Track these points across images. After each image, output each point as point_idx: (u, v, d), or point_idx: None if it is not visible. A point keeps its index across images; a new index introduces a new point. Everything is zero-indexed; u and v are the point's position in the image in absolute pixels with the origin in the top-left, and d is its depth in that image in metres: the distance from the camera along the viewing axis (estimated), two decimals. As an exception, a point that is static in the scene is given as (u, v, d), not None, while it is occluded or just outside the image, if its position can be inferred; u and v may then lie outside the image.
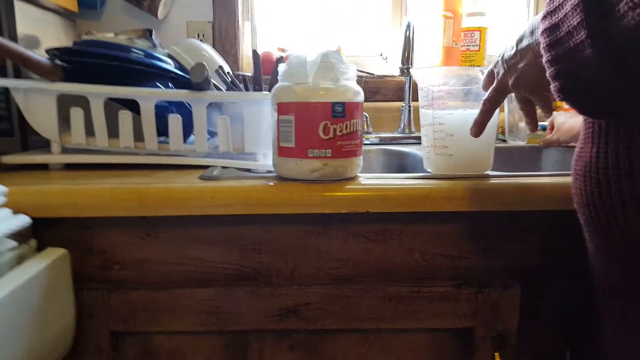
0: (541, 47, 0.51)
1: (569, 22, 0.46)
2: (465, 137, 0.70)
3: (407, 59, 1.19)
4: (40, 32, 1.02)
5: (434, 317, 0.72)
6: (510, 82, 0.62)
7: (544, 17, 0.50)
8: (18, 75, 0.89)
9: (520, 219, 0.72)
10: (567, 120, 1.05)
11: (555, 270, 0.73)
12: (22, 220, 0.59)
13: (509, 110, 0.72)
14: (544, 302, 0.74)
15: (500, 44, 1.41)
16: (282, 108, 0.67)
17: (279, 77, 0.69)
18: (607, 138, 0.53)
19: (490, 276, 0.73)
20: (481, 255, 0.72)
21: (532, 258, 0.73)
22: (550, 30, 0.49)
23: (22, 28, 0.92)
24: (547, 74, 0.51)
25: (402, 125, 1.25)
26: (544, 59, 0.51)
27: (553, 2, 0.49)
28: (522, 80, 0.61)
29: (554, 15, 0.49)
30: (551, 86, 0.51)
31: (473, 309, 0.73)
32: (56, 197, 0.66)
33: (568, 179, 0.69)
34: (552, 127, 1.10)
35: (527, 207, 0.69)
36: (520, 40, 0.59)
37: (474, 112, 0.70)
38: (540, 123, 1.19)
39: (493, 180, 0.70)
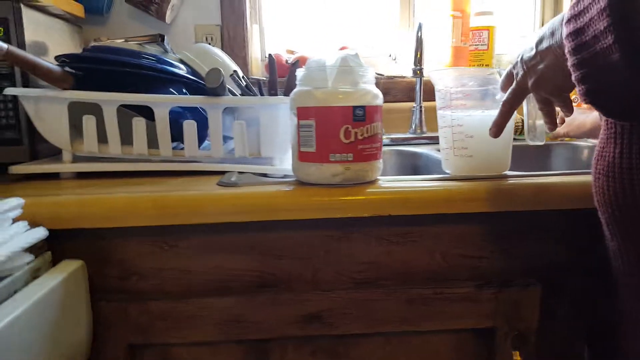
0: (566, 51, 0.50)
1: (595, 26, 0.46)
2: (485, 139, 0.70)
3: (419, 60, 1.18)
4: (48, 38, 1.01)
5: (456, 318, 0.72)
6: (530, 84, 0.62)
7: (568, 21, 0.50)
8: (26, 82, 0.88)
9: (539, 218, 0.71)
10: (578, 116, 1.04)
11: (575, 268, 0.73)
12: (39, 233, 0.58)
13: (527, 112, 0.71)
14: (564, 301, 0.74)
15: (508, 43, 1.41)
16: (302, 113, 0.67)
17: (297, 82, 0.69)
18: (631, 139, 0.53)
19: (511, 276, 0.73)
20: (502, 256, 0.72)
21: (552, 257, 0.73)
22: (575, 34, 0.49)
23: (30, 35, 0.91)
24: (573, 78, 0.50)
25: (413, 126, 1.25)
26: (569, 63, 0.50)
27: (577, 5, 0.49)
28: (542, 81, 0.60)
29: (579, 19, 0.48)
30: (577, 89, 0.51)
31: (494, 308, 0.72)
32: (72, 207, 0.65)
33: (586, 178, 0.69)
34: (562, 121, 1.10)
35: (547, 206, 0.69)
36: (540, 42, 0.59)
37: (492, 114, 0.69)
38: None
39: (512, 181, 0.70)
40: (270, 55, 0.84)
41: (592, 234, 0.70)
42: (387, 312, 0.71)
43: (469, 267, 0.72)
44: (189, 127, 0.80)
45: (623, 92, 0.48)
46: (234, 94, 0.85)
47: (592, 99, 0.50)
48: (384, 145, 1.17)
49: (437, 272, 0.72)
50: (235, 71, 0.86)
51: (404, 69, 1.39)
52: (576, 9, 0.49)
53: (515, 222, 0.71)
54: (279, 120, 0.80)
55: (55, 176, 0.82)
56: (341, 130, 0.65)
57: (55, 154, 0.89)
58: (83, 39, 1.22)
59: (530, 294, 0.72)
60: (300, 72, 0.68)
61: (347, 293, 0.70)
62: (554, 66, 0.57)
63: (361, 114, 0.65)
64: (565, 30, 0.50)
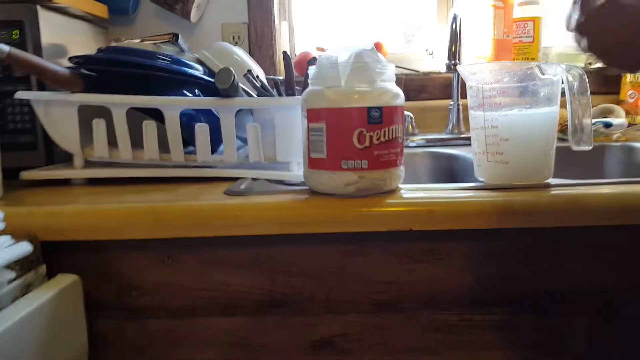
0: None
1: None
2: (522, 142, 0.62)
3: (454, 54, 1.09)
4: (68, 40, 0.99)
5: (487, 349, 0.64)
6: None
7: None
8: (42, 86, 0.86)
9: (587, 234, 0.62)
10: None
11: (628, 291, 0.63)
12: (21, 249, 0.54)
13: (572, 110, 0.62)
14: (615, 331, 0.64)
15: (556, 35, 1.29)
16: (312, 115, 0.60)
17: (309, 81, 0.63)
18: None
19: (553, 301, 0.63)
20: (542, 277, 0.63)
21: (601, 280, 0.63)
22: None
23: (47, 37, 0.89)
24: None
25: (450, 126, 1.16)
26: None
27: None
28: None
29: None
30: None
31: (532, 338, 0.63)
32: (68, 218, 0.61)
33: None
34: None
35: (596, 221, 0.60)
36: None
37: (531, 113, 0.61)
38: (604, 120, 1.08)
39: (555, 191, 0.61)
40: (285, 52, 0.78)
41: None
42: (408, 340, 0.63)
43: (503, 290, 0.63)
44: (201, 130, 0.75)
45: None
46: (249, 95, 0.79)
47: None
48: (418, 146, 1.10)
49: (466, 295, 0.63)
50: (249, 70, 0.80)
51: (441, 65, 1.30)
52: None
53: (558, 239, 0.62)
54: (295, 123, 0.74)
55: (67, 182, 0.79)
56: (354, 134, 0.58)
57: (71, 159, 0.87)
58: (108, 41, 1.20)
59: (576, 322, 0.63)
60: (311, 70, 0.62)
61: (364, 317, 0.63)
62: None
63: (377, 116, 0.58)
64: None
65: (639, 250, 0.62)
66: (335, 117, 0.58)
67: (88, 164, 0.81)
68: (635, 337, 0.64)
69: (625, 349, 0.64)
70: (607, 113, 1.17)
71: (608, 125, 1.06)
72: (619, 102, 1.19)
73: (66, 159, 0.89)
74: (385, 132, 0.59)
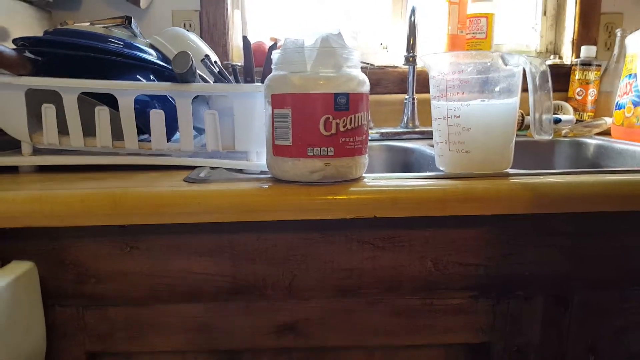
0: None
1: None
2: (484, 132, 0.63)
3: (412, 47, 1.10)
4: (10, 23, 0.94)
5: (447, 332, 0.65)
6: None
7: None
8: (-14, 69, 0.81)
9: (544, 222, 0.64)
10: None
11: (582, 278, 0.66)
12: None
13: (534, 101, 0.64)
14: (569, 313, 0.67)
15: (508, 32, 1.34)
16: (276, 101, 0.59)
17: (273, 66, 0.62)
18: None
19: (511, 286, 0.65)
20: (500, 263, 0.65)
21: (555, 266, 0.65)
22: None
23: (-12, 18, 0.84)
24: None
25: (405, 119, 1.17)
26: None
27: None
28: None
29: None
30: None
31: (491, 322, 0.65)
32: (21, 205, 0.57)
33: (596, 178, 0.62)
34: None
35: (552, 209, 0.61)
36: None
37: (494, 104, 0.62)
38: (554, 116, 1.12)
39: (514, 180, 0.62)
40: (245, 37, 0.77)
41: (601, 240, 0.64)
42: (371, 324, 0.64)
43: (463, 276, 0.64)
44: (156, 117, 0.73)
45: None
46: (206, 81, 0.77)
47: None
48: (373, 140, 1.11)
49: (428, 281, 0.64)
50: (207, 55, 0.78)
51: (396, 59, 1.32)
52: None
53: (516, 227, 0.64)
54: (255, 110, 0.73)
55: (15, 170, 0.75)
56: (321, 120, 0.57)
57: (18, 146, 0.82)
58: (52, 25, 1.14)
59: (531, 306, 0.65)
60: (275, 55, 0.61)
61: (326, 302, 0.63)
62: None
63: (344, 102, 0.58)
64: None
65: (590, 237, 0.65)
66: (301, 103, 0.58)
67: (36, 151, 0.77)
68: (587, 322, 0.67)
69: (578, 333, 0.67)
70: (556, 109, 1.22)
71: (557, 121, 1.11)
72: (567, 99, 1.24)
73: (12, 146, 0.84)
74: (351, 119, 0.59)
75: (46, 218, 0.58)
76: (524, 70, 0.64)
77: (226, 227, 0.61)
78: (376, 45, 1.35)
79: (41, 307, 0.60)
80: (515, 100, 0.65)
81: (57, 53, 0.74)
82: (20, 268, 0.58)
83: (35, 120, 0.76)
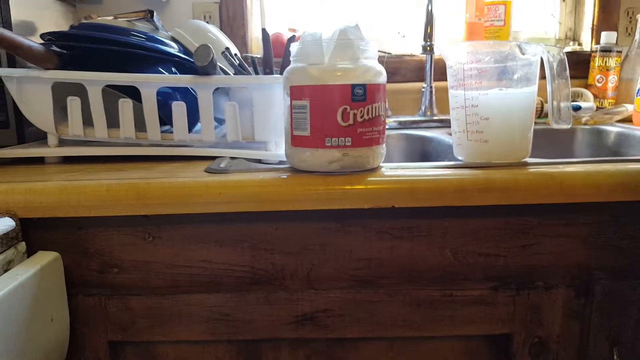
0: None
1: None
2: (502, 121, 0.63)
3: (429, 35, 1.09)
4: (37, 17, 0.96)
5: (467, 323, 0.65)
6: None
7: None
8: (13, 64, 0.83)
9: (564, 211, 0.63)
10: None
11: (604, 268, 0.65)
12: (4, 224, 0.53)
13: (552, 91, 0.63)
14: (590, 304, 0.66)
15: (526, 19, 1.32)
16: (295, 92, 0.60)
17: (291, 58, 0.62)
18: None
19: (531, 276, 0.65)
20: (521, 253, 0.64)
21: (577, 255, 0.65)
22: None
23: (17, 14, 0.87)
24: None
25: (423, 108, 1.17)
26: None
27: None
28: None
29: None
30: None
31: (511, 313, 0.65)
32: (48, 195, 0.59)
33: (617, 166, 0.61)
34: None
35: (573, 198, 0.61)
36: None
37: (511, 93, 0.62)
38: (573, 103, 1.11)
39: (533, 169, 0.62)
40: (264, 29, 0.77)
41: (624, 229, 0.63)
42: (390, 315, 0.64)
43: (483, 266, 0.64)
44: (178, 108, 0.74)
45: None
46: (226, 73, 0.78)
47: None
48: (391, 128, 1.11)
49: (447, 272, 0.65)
50: (227, 48, 0.79)
51: (414, 47, 1.31)
52: None
53: (536, 216, 0.63)
54: (274, 101, 0.74)
55: (41, 161, 0.78)
56: (338, 111, 0.58)
57: (44, 137, 0.84)
58: (77, 19, 1.16)
59: (553, 296, 0.65)
60: (294, 47, 0.61)
61: (345, 292, 0.64)
62: None
63: (361, 93, 0.58)
64: None
65: (612, 225, 0.64)
66: (319, 94, 0.58)
67: (62, 142, 0.79)
68: (609, 313, 0.66)
69: (599, 324, 0.66)
70: (576, 97, 1.20)
71: (577, 109, 1.09)
72: (587, 86, 1.22)
73: (39, 138, 0.86)
74: (368, 109, 0.59)
75: (72, 208, 0.59)
76: (542, 59, 0.64)
77: (245, 217, 0.62)
78: (394, 33, 1.35)
79: (65, 296, 0.62)
80: (533, 89, 0.64)
81: (82, 47, 0.76)
82: (45, 258, 0.59)
83: (60, 112, 0.78)
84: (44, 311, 0.57)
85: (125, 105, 0.75)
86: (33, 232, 0.61)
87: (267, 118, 0.74)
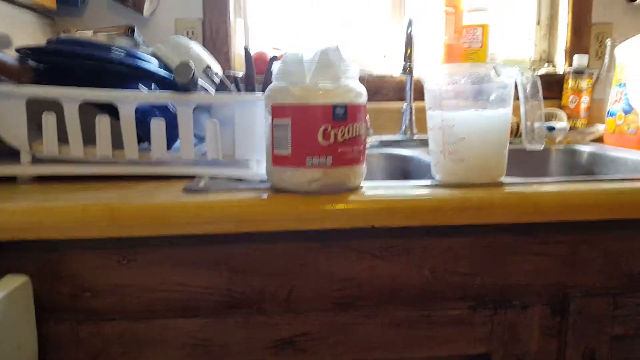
0: None
1: None
2: (478, 141, 0.64)
3: (408, 57, 1.11)
4: (14, 30, 0.95)
5: (446, 343, 0.65)
6: None
7: None
8: (-14, 77, 0.81)
9: (539, 230, 0.65)
10: None
11: (578, 286, 0.67)
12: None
13: (525, 111, 0.65)
14: (566, 321, 0.67)
15: (503, 42, 1.35)
16: (276, 111, 0.60)
17: (273, 77, 0.62)
18: None
19: (508, 295, 0.66)
20: (497, 272, 0.65)
21: (552, 274, 0.66)
22: None
23: (-9, 26, 0.85)
24: None
25: (403, 127, 1.18)
26: None
27: None
28: None
29: None
30: None
31: (489, 332, 0.66)
32: (19, 217, 0.57)
33: (592, 186, 0.62)
34: None
35: (547, 217, 0.62)
36: None
37: (487, 114, 0.63)
38: (548, 124, 1.13)
39: (508, 189, 0.63)
40: (246, 48, 0.78)
41: (599, 248, 0.65)
42: (369, 337, 0.64)
43: (461, 286, 0.65)
44: (157, 126, 0.73)
45: None
46: (207, 91, 0.77)
47: None
48: (373, 147, 1.11)
49: (426, 291, 0.65)
50: (208, 66, 0.79)
51: (395, 68, 1.33)
52: None
53: (511, 235, 0.64)
54: (255, 120, 0.73)
55: (13, 180, 0.75)
56: (319, 130, 0.58)
57: (17, 155, 0.82)
58: (56, 33, 1.15)
59: (529, 315, 0.65)
60: (276, 66, 0.62)
61: (325, 315, 0.63)
62: None
63: (342, 113, 0.58)
64: None
65: (585, 245, 0.65)
66: (300, 114, 0.58)
67: (35, 160, 0.77)
68: (584, 330, 0.67)
69: (575, 340, 0.67)
70: (550, 117, 1.22)
71: (551, 129, 1.12)
72: (561, 107, 1.25)
73: (9, 155, 0.84)
74: (349, 129, 0.59)
75: (44, 230, 0.57)
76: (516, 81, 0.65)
77: (224, 238, 0.61)
78: (375, 54, 1.36)
79: (34, 322, 0.60)
80: (508, 110, 0.65)
81: (59, 62, 0.75)
82: (13, 283, 0.57)
83: (35, 128, 0.76)
84: (10, 338, 0.55)
85: (103, 122, 0.74)
86: (2, 255, 0.59)
87: (249, 136, 0.74)
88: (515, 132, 1.13)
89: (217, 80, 0.78)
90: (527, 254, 0.65)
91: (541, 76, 1.28)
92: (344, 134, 0.59)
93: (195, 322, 0.63)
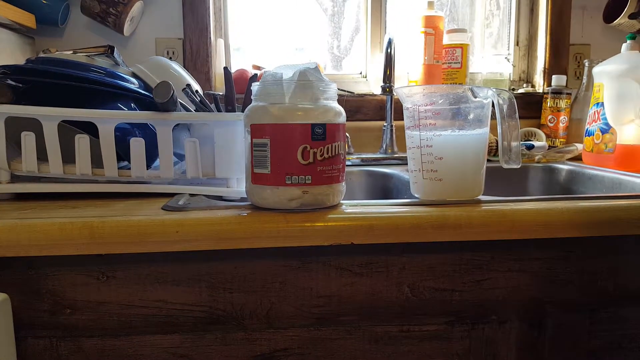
0: None
1: None
2: (456, 161, 0.65)
3: (388, 77, 1.13)
4: (-7, 49, 0.94)
5: (425, 358, 0.66)
6: None
7: None
8: (-38, 96, 0.81)
9: (516, 247, 0.66)
10: None
11: (555, 301, 0.67)
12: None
13: (502, 132, 0.66)
14: (543, 336, 0.68)
15: (482, 62, 1.38)
16: (256, 130, 0.60)
17: (252, 97, 0.63)
18: None
19: (485, 311, 0.67)
20: (475, 288, 0.66)
21: (529, 290, 0.67)
22: None
23: (-31, 45, 0.85)
24: None
25: (384, 146, 1.20)
26: None
27: None
28: None
29: None
30: None
31: (467, 347, 0.66)
32: (-3, 234, 0.57)
33: (569, 204, 0.64)
34: None
35: (524, 234, 0.63)
36: None
37: (464, 134, 0.64)
38: (527, 142, 1.15)
39: (486, 207, 0.64)
40: (225, 68, 0.78)
41: (574, 264, 0.66)
42: (349, 352, 0.64)
43: (439, 301, 0.66)
44: (136, 145, 0.74)
45: None
46: (187, 110, 0.78)
47: None
48: (354, 165, 1.12)
49: (405, 307, 0.65)
50: (188, 85, 0.79)
51: (375, 87, 1.35)
52: None
53: (489, 252, 0.65)
54: (235, 138, 0.74)
55: (-9, 197, 0.75)
56: (299, 150, 0.59)
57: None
58: (35, 52, 1.15)
59: (506, 330, 0.66)
60: (255, 87, 0.62)
61: (305, 331, 0.64)
62: None
63: (321, 132, 0.59)
64: None
65: (561, 261, 0.66)
66: (279, 133, 0.59)
67: (14, 179, 0.77)
68: (561, 345, 0.68)
69: (553, 356, 0.68)
70: (529, 136, 1.25)
71: (530, 148, 1.14)
72: (539, 126, 1.28)
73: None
74: (328, 148, 0.60)
75: (23, 248, 0.57)
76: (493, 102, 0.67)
77: (204, 255, 0.61)
78: (356, 74, 1.38)
79: (13, 339, 0.59)
80: (485, 130, 0.67)
81: (38, 81, 0.75)
82: (-8, 300, 0.57)
83: (14, 147, 0.76)
84: (-10, 355, 0.55)
85: (82, 142, 0.74)
86: (-20, 272, 0.59)
87: (229, 155, 0.74)
88: (495, 151, 1.15)
89: (197, 98, 0.79)
90: (504, 270, 0.66)
91: (520, 96, 1.31)
92: (322, 153, 0.60)
93: (174, 339, 0.63)
